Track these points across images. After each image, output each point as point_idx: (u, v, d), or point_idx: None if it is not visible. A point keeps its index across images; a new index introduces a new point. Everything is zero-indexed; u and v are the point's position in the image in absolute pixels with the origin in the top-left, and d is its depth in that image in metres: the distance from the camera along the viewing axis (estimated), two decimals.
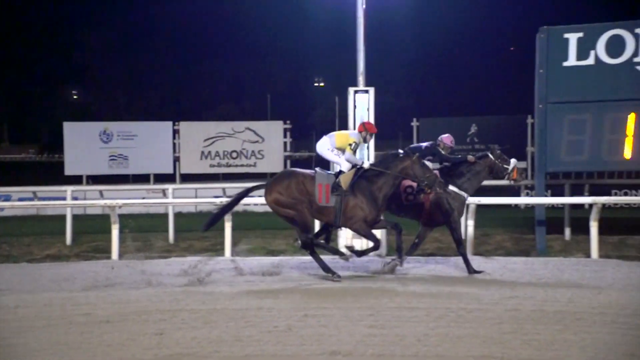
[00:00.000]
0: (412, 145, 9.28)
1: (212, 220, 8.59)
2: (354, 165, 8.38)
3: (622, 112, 10.21)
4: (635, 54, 10.27)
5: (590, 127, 10.28)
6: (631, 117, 10.15)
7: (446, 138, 9.29)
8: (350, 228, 8.42)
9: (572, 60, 10.49)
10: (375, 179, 8.23)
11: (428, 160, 8.84)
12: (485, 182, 9.37)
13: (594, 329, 5.67)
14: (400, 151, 8.54)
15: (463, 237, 10.74)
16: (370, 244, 8.34)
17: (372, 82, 10.85)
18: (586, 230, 9.97)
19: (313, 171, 8.42)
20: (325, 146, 8.59)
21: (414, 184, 8.51)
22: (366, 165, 8.37)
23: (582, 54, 10.42)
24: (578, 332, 5.57)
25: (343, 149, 8.48)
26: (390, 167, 8.26)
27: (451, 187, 8.72)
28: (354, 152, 8.51)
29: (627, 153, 10.28)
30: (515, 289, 7.37)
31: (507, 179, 9.15)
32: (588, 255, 9.83)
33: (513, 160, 9.12)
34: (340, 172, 8.35)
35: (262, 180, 10.27)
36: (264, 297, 6.96)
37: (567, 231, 11.78)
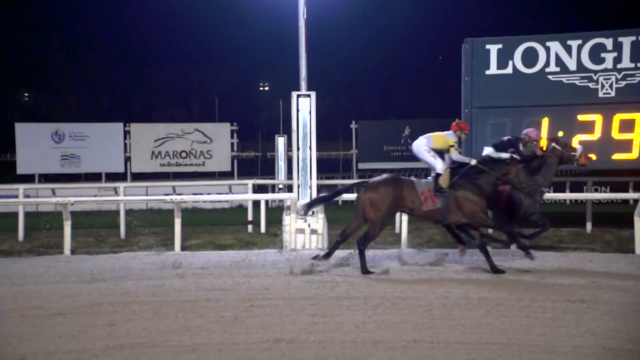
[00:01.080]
0: (494, 142, 8.91)
1: (311, 204, 9.00)
2: (457, 164, 8.26)
3: (536, 117, 10.58)
4: (547, 65, 10.66)
5: (509, 130, 10.59)
6: (545, 121, 10.54)
7: (532, 131, 8.88)
8: (474, 223, 8.17)
9: (493, 69, 10.80)
10: (477, 176, 8.17)
11: (510, 152, 8.46)
12: None
13: (513, 313, 5.86)
14: (498, 153, 8.39)
15: (397, 231, 10.93)
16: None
17: (314, 86, 10.88)
18: None
19: (412, 180, 8.31)
20: (422, 146, 8.42)
21: None
22: (473, 162, 8.25)
23: (501, 64, 10.75)
24: (499, 316, 5.74)
25: (440, 150, 8.36)
26: (495, 169, 8.19)
27: None
28: (458, 151, 8.39)
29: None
30: (443, 277, 7.55)
31: (576, 165, 8.92)
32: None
33: (579, 147, 8.80)
34: (438, 175, 8.20)
35: (211, 179, 10.20)
36: (212, 289, 6.88)
37: None
